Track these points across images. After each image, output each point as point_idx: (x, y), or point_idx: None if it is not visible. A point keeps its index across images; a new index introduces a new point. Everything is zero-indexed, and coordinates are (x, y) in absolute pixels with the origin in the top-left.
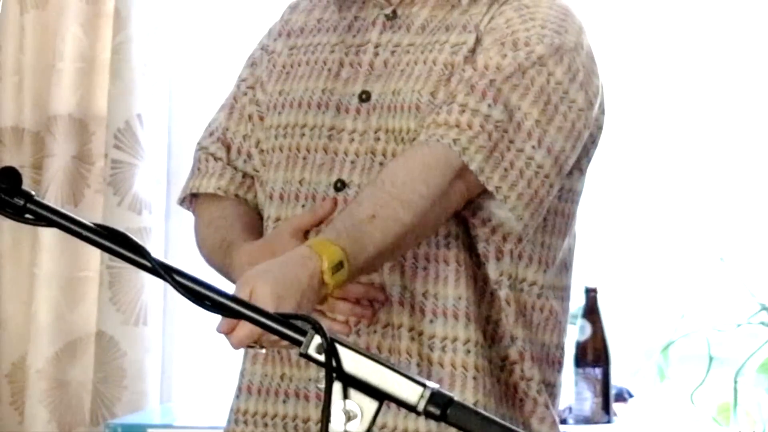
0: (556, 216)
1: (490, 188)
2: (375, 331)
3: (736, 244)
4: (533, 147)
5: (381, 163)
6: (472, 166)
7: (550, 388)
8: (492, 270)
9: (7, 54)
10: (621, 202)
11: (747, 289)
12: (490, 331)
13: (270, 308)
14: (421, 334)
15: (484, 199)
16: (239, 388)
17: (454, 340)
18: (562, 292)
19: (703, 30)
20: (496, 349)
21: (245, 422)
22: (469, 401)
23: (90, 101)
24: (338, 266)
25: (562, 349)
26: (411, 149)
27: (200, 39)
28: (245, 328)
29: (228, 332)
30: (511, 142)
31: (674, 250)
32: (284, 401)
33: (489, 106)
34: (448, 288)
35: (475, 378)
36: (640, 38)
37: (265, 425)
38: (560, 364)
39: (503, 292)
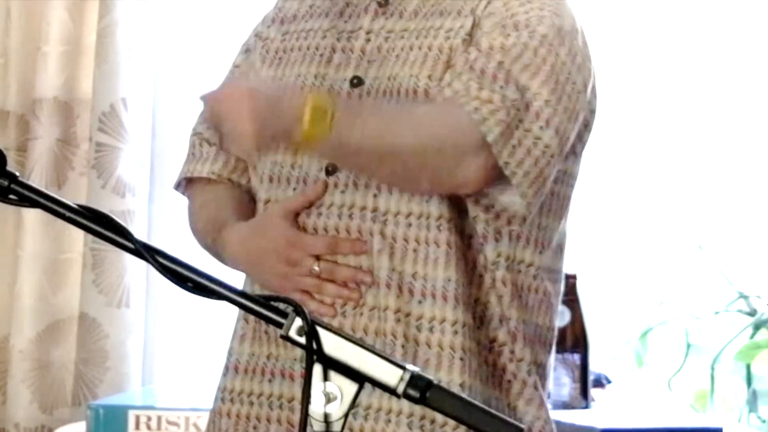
0: (552, 198)
1: (500, 162)
2: (361, 314)
3: (715, 232)
4: (541, 127)
5: None
6: (490, 138)
7: (541, 369)
8: (490, 251)
9: None
10: (601, 190)
11: (725, 277)
12: (478, 313)
13: (241, 99)
14: (408, 315)
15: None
16: (226, 367)
17: (442, 321)
18: (556, 275)
19: (687, 23)
20: (484, 331)
21: (231, 401)
22: (455, 382)
23: (75, 84)
24: (320, 116)
25: (553, 330)
26: (443, 102)
27: (185, 23)
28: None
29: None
30: (521, 121)
31: (653, 238)
32: (270, 380)
33: (501, 87)
34: (438, 270)
35: (462, 359)
36: (623, 30)
37: (251, 404)
38: (551, 345)
39: (500, 273)
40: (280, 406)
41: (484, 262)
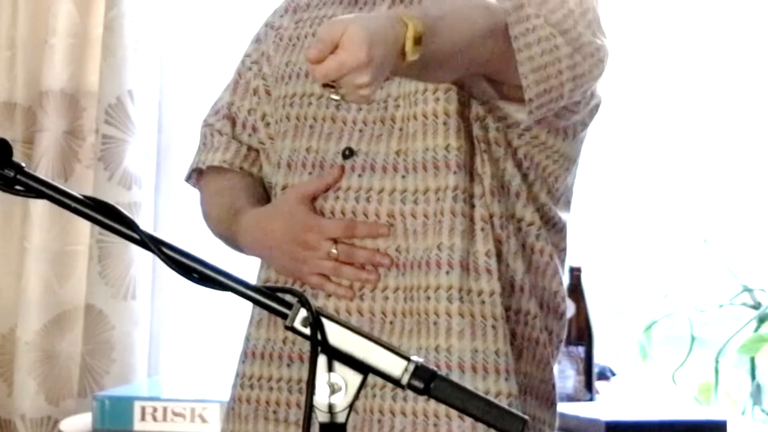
0: (537, 167)
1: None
2: (386, 297)
3: (720, 225)
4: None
5: (391, 129)
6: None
7: (553, 336)
8: (496, 207)
9: (0, 29)
10: (606, 183)
11: (729, 271)
12: (505, 283)
13: (361, 51)
14: (463, 289)
15: (504, 104)
16: (244, 353)
17: (491, 294)
18: (559, 248)
19: (695, 18)
20: (506, 301)
21: (251, 386)
22: (502, 351)
23: (82, 77)
24: (417, 41)
25: (563, 299)
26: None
27: (192, 16)
28: (335, 61)
29: (316, 62)
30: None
31: (658, 231)
32: (288, 365)
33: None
34: (477, 243)
35: (503, 326)
36: (628, 25)
37: (270, 389)
38: (561, 314)
39: (507, 232)
40: (299, 390)
41: (490, 220)
